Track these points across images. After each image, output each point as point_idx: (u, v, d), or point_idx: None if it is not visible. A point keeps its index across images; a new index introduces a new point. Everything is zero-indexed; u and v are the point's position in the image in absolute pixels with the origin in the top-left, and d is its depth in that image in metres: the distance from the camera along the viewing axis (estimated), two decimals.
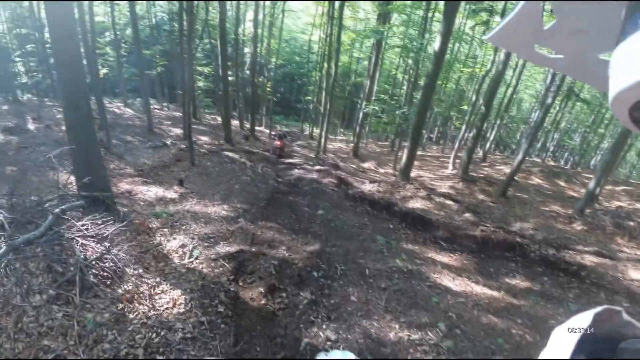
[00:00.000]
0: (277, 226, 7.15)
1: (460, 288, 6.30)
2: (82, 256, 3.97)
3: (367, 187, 12.01)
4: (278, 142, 17.27)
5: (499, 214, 11.72)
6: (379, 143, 29.77)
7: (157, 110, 23.52)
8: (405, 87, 28.57)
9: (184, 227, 6.33)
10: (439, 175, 16.76)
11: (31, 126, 12.60)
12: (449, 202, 11.70)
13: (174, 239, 5.80)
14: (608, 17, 0.46)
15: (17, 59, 21.00)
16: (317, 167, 14.20)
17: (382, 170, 17.17)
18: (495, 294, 6.43)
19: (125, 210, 6.56)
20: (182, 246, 5.55)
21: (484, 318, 5.41)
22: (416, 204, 10.94)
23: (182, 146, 13.79)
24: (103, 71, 26.44)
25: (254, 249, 5.88)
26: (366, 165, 18.06)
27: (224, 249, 5.67)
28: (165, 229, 6.16)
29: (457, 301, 5.72)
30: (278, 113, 39.24)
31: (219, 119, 22.29)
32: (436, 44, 10.80)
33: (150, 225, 6.18)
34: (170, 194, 8.48)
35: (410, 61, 27.08)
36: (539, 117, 13.76)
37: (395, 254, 6.92)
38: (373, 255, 6.60)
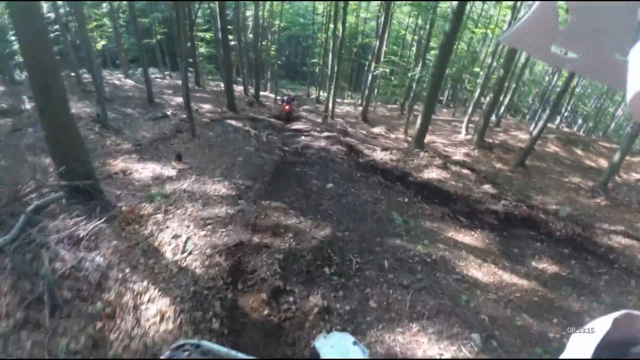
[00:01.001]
0: (283, 205, 6.25)
1: (488, 278, 5.48)
2: (51, 268, 3.16)
3: (378, 155, 11.04)
4: (286, 106, 16.57)
5: (518, 185, 10.77)
6: (388, 106, 28.39)
7: (158, 80, 22.38)
8: (414, 49, 27.06)
9: (179, 212, 5.48)
10: (453, 141, 15.69)
11: (28, 106, 11.73)
12: (465, 171, 10.75)
13: (167, 227, 4.97)
14: (624, 16, 0.44)
15: (13, 38, 19.82)
16: (325, 134, 13.17)
17: (392, 136, 16.09)
18: (525, 283, 5.63)
19: (118, 193, 5.77)
20: (176, 237, 4.71)
21: (518, 319, 4.61)
22: (431, 174, 10.00)
23: (183, 116, 12.80)
24: (101, 43, 25.38)
25: (255, 240, 5.01)
26: (376, 130, 16.93)
27: (221, 239, 4.80)
28: (158, 215, 5.32)
29: (487, 298, 4.90)
30: (283, 77, 37.68)
31: (223, 85, 21.12)
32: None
33: (142, 212, 5.33)
34: (168, 171, 7.63)
35: (420, 21, 25.51)
36: (556, 82, 12.50)
37: (415, 237, 6.05)
38: (391, 240, 5.74)
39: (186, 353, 0.94)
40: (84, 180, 4.84)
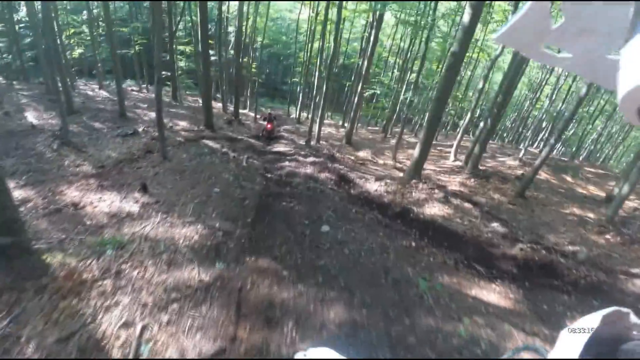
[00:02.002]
0: (274, 264, 4.69)
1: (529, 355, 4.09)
2: None
3: (372, 185, 9.69)
4: (268, 125, 15.52)
5: (525, 221, 9.62)
6: (370, 129, 27.33)
7: (134, 92, 20.72)
8: (396, 71, 26.30)
9: (135, 275, 3.93)
10: (443, 168, 14.60)
11: None
12: (467, 205, 9.53)
13: (117, 304, 3.41)
14: (617, 16, 0.44)
15: None
16: (311, 159, 11.75)
17: (380, 162, 14.83)
18: None
19: (62, 238, 4.25)
20: (126, 325, 3.15)
21: None
22: (434, 209, 8.72)
23: (156, 134, 11.28)
24: (78, 51, 23.85)
25: (242, 344, 3.32)
26: (362, 154, 15.65)
27: (192, 338, 3.19)
28: (106, 281, 3.76)
29: None
30: (263, 95, 36.37)
31: (201, 101, 19.64)
32: (465, 16, 8.35)
33: (85, 276, 3.77)
34: (130, 205, 6.11)
35: (404, 44, 24.83)
36: (563, 109, 11.66)
37: (447, 309, 4.57)
38: (422, 319, 4.19)
39: None
40: (8, 237, 3.34)
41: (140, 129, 11.98)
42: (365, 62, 16.32)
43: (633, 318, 0.48)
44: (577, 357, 0.43)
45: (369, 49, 16.09)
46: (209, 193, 7.19)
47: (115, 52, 13.74)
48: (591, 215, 11.36)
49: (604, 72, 0.55)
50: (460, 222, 8.29)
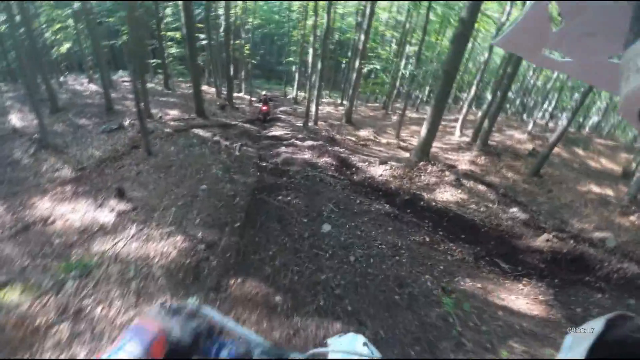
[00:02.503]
0: (264, 287, 3.71)
1: None
2: None
3: (377, 170, 8.74)
4: (264, 107, 14.84)
5: (545, 204, 8.72)
6: (369, 105, 26.11)
7: (126, 83, 19.53)
8: (394, 45, 24.93)
9: (97, 314, 3.17)
10: (450, 144, 13.62)
11: None
12: (481, 187, 8.61)
13: None
14: (617, 19, 0.43)
15: None
16: (309, 142, 10.76)
17: (383, 141, 13.82)
18: None
19: (24, 265, 3.95)
20: None
21: None
22: (446, 195, 7.82)
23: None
24: (66, 46, 22.68)
25: None
26: (363, 133, 14.61)
27: None
28: (63, 325, 3.02)
29: None
30: (258, 77, 34.95)
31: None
32: None
33: (39, 321, 3.03)
34: (104, 215, 5.37)
35: (401, 17, 23.41)
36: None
37: (479, 333, 3.61)
38: (451, 354, 3.30)
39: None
40: None
41: (126, 123, 11.06)
42: (362, 36, 15.05)
43: (638, 321, 0.46)
44: None
45: (365, 23, 14.81)
46: (195, 192, 6.29)
47: (97, 44, 12.87)
48: (610, 192, 10.47)
49: (605, 76, 0.53)
50: (476, 208, 7.39)
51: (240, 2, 21.75)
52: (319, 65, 12.43)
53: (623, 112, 0.37)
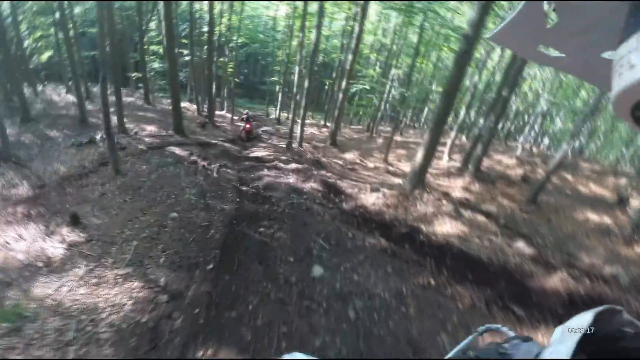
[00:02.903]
0: None
1: None
2: None
3: (369, 198, 7.99)
4: (247, 125, 14.48)
5: (548, 235, 8.09)
6: (353, 127, 25.62)
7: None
8: (377, 68, 24.68)
9: None
10: (438, 169, 13.04)
11: None
12: (480, 217, 7.96)
13: None
14: (611, 16, 0.42)
15: None
16: (294, 166, 9.99)
17: (370, 165, 13.17)
18: None
19: None
20: None
21: None
22: (445, 227, 7.11)
23: (119, 140, 9.46)
24: (47, 54, 21.69)
25: None
26: (349, 156, 13.94)
27: None
28: None
29: None
30: (241, 96, 34.26)
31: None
32: None
33: None
34: (53, 247, 4.40)
35: (387, 41, 23.24)
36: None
37: None
38: None
39: None
40: None
41: (98, 137, 10.08)
42: (350, 56, 14.56)
43: (626, 315, 0.47)
44: (570, 356, 0.41)
45: (354, 43, 14.35)
46: (163, 221, 5.40)
47: (72, 55, 12.15)
48: (608, 220, 9.99)
49: (598, 73, 0.53)
50: (479, 242, 6.69)
51: (225, 20, 21.21)
52: (306, 84, 11.72)
53: (616, 109, 0.36)
